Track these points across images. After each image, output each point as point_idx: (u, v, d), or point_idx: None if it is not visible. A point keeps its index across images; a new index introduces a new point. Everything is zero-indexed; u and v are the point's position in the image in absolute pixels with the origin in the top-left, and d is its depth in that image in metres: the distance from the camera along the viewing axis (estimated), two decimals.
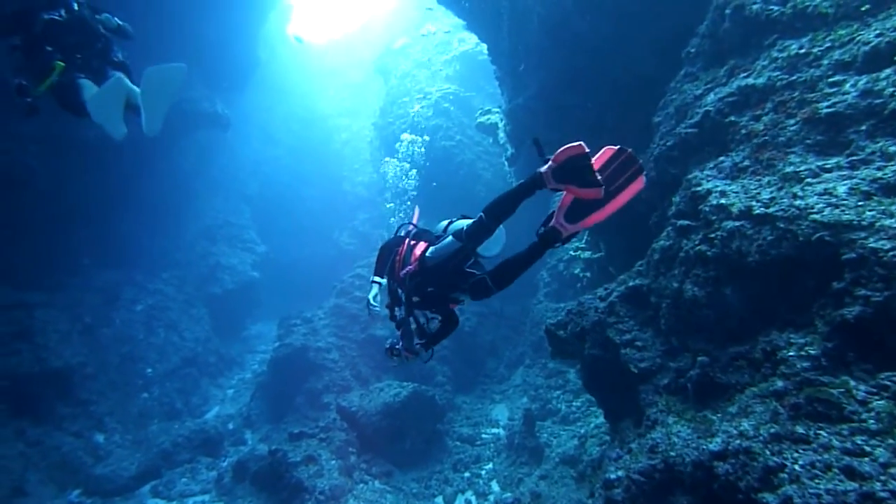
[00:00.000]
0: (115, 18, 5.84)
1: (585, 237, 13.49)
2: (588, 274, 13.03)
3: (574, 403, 12.38)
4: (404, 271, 4.19)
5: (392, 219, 22.95)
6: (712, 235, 4.61)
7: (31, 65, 5.20)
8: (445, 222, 4.25)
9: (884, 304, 3.35)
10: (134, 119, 5.48)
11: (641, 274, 5.63)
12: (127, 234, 17.54)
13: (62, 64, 5.17)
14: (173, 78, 5.42)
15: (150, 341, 16.77)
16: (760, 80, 5.10)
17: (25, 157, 12.75)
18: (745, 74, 5.37)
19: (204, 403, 16.71)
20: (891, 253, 3.37)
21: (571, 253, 13.97)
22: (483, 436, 12.91)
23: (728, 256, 4.45)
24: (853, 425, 3.24)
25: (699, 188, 4.97)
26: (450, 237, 3.89)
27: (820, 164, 4.27)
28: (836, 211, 3.80)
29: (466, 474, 11.45)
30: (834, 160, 4.24)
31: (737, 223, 4.39)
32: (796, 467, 3.29)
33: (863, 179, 3.91)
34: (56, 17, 5.15)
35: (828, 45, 4.70)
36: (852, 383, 3.39)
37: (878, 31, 4.42)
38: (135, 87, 5.54)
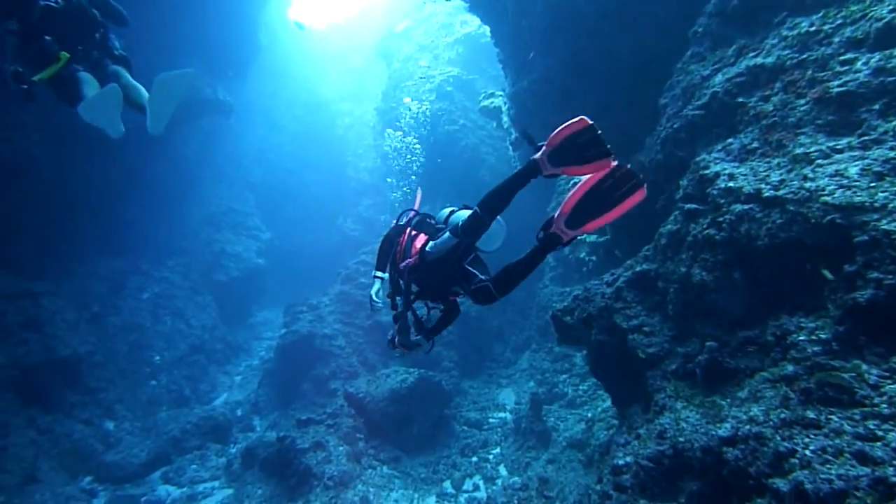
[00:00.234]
0: (111, 1, 5.77)
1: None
2: (594, 258, 12.96)
3: (581, 387, 12.36)
4: (404, 263, 4.15)
5: (394, 193, 22.93)
6: (721, 219, 4.55)
7: (27, 52, 5.13)
8: (448, 211, 4.18)
9: None
10: (136, 115, 5.45)
11: (648, 259, 5.57)
12: (132, 222, 17.54)
13: (67, 55, 5.11)
14: (183, 83, 5.36)
15: (158, 329, 16.82)
16: (770, 60, 5.01)
17: (28, 146, 12.70)
18: (753, 54, 5.28)
19: (212, 390, 16.81)
20: None
21: (577, 237, 13.90)
22: (490, 420, 12.93)
23: (737, 240, 4.39)
24: (865, 410, 3.21)
25: (707, 171, 4.90)
26: (447, 233, 3.84)
27: (831, 144, 4.20)
28: (848, 192, 3.74)
29: (474, 459, 11.47)
30: (845, 140, 4.16)
31: (746, 206, 4.34)
32: (807, 452, 3.27)
33: (875, 160, 3.84)
34: (52, 4, 5.07)
35: (839, 21, 4.61)
36: (864, 367, 3.35)
37: (891, 7, 4.33)
38: (136, 84, 5.51)
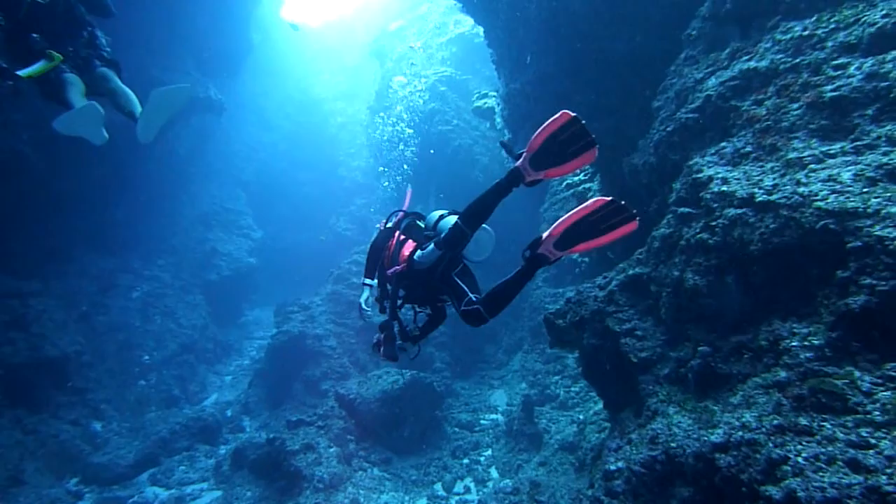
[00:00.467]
0: None
1: None
2: (587, 259, 12.96)
3: (572, 389, 12.36)
4: (392, 270, 4.11)
5: (385, 183, 22.90)
6: (714, 223, 4.52)
7: (13, 48, 5.07)
8: (437, 214, 4.13)
9: (890, 293, 3.28)
10: (125, 118, 5.44)
11: (641, 262, 5.55)
12: (122, 220, 17.42)
13: (61, 57, 5.06)
14: (178, 97, 5.40)
15: (147, 328, 16.71)
16: (763, 64, 5.00)
17: (18, 144, 12.58)
18: (747, 57, 5.26)
19: (202, 390, 16.70)
20: None
21: None
22: (482, 422, 12.91)
23: (730, 245, 4.37)
24: (858, 417, 3.19)
25: (700, 175, 4.88)
26: (431, 244, 3.80)
27: (824, 149, 4.18)
28: (841, 198, 3.73)
29: (465, 461, 11.45)
30: (838, 145, 4.15)
31: (739, 211, 4.31)
32: (800, 460, 3.25)
33: (868, 165, 3.83)
34: (39, 0, 5.00)
35: (832, 26, 4.60)
36: (857, 374, 3.33)
37: (884, 12, 4.32)
38: (125, 89, 5.47)
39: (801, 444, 3.32)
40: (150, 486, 11.72)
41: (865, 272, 3.42)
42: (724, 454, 3.73)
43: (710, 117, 5.43)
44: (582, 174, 13.26)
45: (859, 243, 3.48)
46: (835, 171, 3.93)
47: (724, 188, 4.52)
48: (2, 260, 12.86)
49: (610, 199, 3.32)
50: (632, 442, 4.76)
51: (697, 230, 4.73)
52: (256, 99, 29.89)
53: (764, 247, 4.08)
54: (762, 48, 5.13)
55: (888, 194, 3.57)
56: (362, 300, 4.49)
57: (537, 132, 3.24)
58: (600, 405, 9.09)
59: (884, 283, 3.31)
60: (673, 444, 4.22)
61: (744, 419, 3.75)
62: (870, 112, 4.11)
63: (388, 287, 4.23)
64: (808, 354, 3.63)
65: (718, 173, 4.73)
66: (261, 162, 29.25)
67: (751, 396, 3.89)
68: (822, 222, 3.71)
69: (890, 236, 3.34)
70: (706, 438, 3.93)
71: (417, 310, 4.35)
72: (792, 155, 4.31)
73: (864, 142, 4.02)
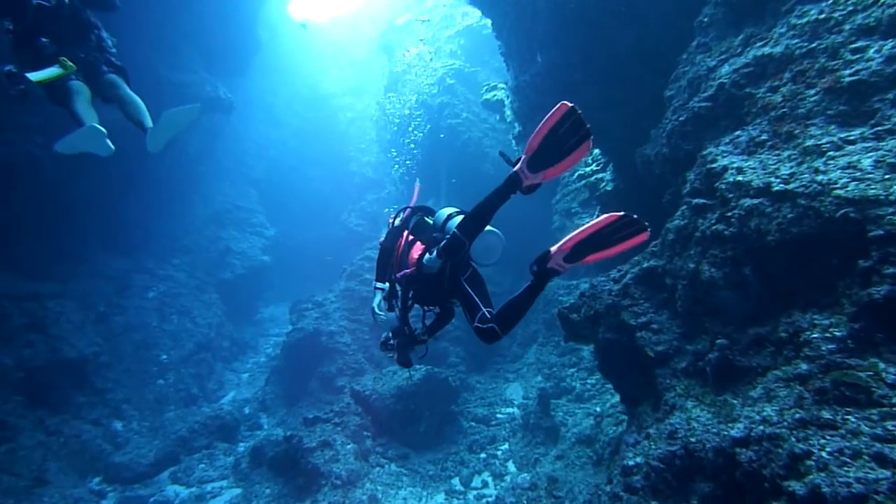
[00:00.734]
0: None
1: (597, 213, 13.29)
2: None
3: (588, 381, 12.30)
4: (401, 274, 4.09)
5: (395, 166, 22.89)
6: (729, 214, 4.45)
7: (22, 53, 5.10)
8: (446, 213, 4.07)
9: None
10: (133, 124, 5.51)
11: (655, 254, 5.47)
12: (136, 221, 17.54)
13: (73, 66, 5.09)
14: (187, 117, 5.56)
15: (164, 328, 16.81)
16: (778, 49, 4.89)
17: (31, 148, 12.67)
18: (761, 43, 5.15)
19: (219, 388, 16.80)
20: None
21: None
22: (498, 416, 12.88)
23: (746, 235, 4.29)
24: (883, 410, 3.12)
25: (714, 165, 4.80)
26: (434, 251, 3.77)
27: (843, 135, 4.09)
28: (861, 185, 3.64)
29: (482, 455, 11.43)
30: (858, 131, 4.05)
31: (755, 201, 4.23)
32: (824, 454, 3.18)
33: (889, 151, 3.73)
34: (45, 3, 5.01)
35: (850, 8, 4.48)
36: (881, 366, 3.26)
37: None
38: (134, 97, 5.50)
39: (824, 438, 3.26)
40: (170, 484, 11.83)
41: (888, 261, 3.34)
42: (744, 449, 3.67)
43: (724, 105, 5.33)
44: (594, 164, 13.14)
45: (881, 232, 3.40)
46: (854, 158, 3.83)
47: (740, 178, 4.44)
48: (18, 262, 12.99)
49: (622, 214, 3.32)
50: (650, 437, 4.71)
51: (713, 221, 4.67)
52: (265, 96, 29.90)
53: (782, 237, 4.00)
54: (777, 33, 5.01)
55: None
56: (375, 304, 4.45)
57: (537, 130, 3.22)
58: (617, 397, 9.04)
59: None
60: (692, 439, 4.17)
61: (764, 413, 3.69)
62: (890, 96, 4.00)
63: (398, 288, 4.21)
64: (829, 346, 3.56)
65: (733, 163, 4.65)
66: (271, 159, 29.29)
67: (771, 390, 3.83)
68: (842, 211, 3.63)
69: None
70: (726, 433, 3.87)
71: (426, 309, 4.32)
72: (809, 142, 4.21)
73: (885, 127, 3.92)
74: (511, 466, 10.85)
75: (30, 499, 9.93)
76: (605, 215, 3.35)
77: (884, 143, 3.82)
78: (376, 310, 4.43)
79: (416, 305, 4.25)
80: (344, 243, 25.32)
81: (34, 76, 4.89)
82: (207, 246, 21.25)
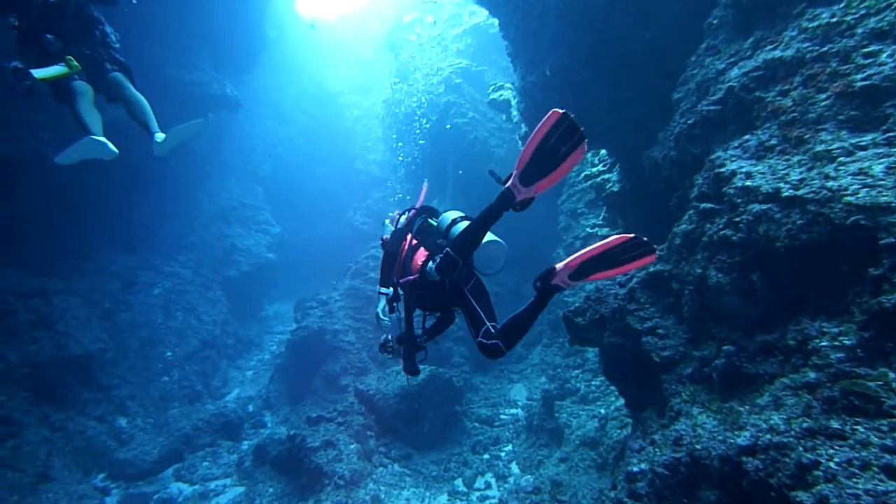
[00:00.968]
0: None
1: (603, 214, 13.25)
2: None
3: (593, 382, 12.25)
4: (404, 280, 4.07)
5: (400, 157, 22.85)
6: (737, 219, 4.40)
7: (27, 49, 5.11)
8: (450, 218, 4.05)
9: None
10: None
11: (662, 259, 5.43)
12: (142, 218, 17.59)
13: (78, 66, 5.11)
14: (193, 131, 5.70)
15: (169, 325, 16.84)
16: (788, 53, 4.83)
17: (38, 145, 12.69)
18: (771, 46, 5.10)
19: (224, 385, 16.84)
20: None
21: (588, 230, 13.76)
22: (502, 416, 12.86)
23: (755, 241, 4.25)
24: (893, 420, 3.09)
25: (723, 169, 4.75)
26: (433, 265, 3.77)
27: (854, 141, 4.03)
28: (873, 192, 3.59)
29: (486, 456, 11.41)
30: (869, 137, 4.00)
31: (764, 206, 4.19)
32: (832, 465, 3.15)
33: None
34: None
35: (862, 12, 4.42)
36: (892, 375, 3.22)
37: None
38: (137, 96, 5.56)
39: (832, 448, 3.22)
40: (174, 481, 11.86)
41: None
42: (751, 457, 3.63)
43: (733, 109, 5.28)
44: (601, 165, 13.10)
45: (892, 239, 3.35)
46: (866, 164, 3.78)
47: (749, 183, 4.40)
48: (25, 259, 13.03)
49: (632, 235, 3.32)
50: (655, 443, 4.67)
51: (720, 226, 4.62)
52: (272, 94, 29.94)
53: (791, 243, 3.96)
54: (787, 37, 4.95)
55: None
56: (379, 309, 4.43)
57: (527, 143, 3.19)
58: (622, 400, 9.01)
59: None
60: (698, 446, 4.13)
61: (772, 421, 3.66)
62: None
63: (401, 292, 4.20)
64: (838, 355, 3.51)
65: (742, 167, 4.60)
66: (277, 157, 29.33)
67: (778, 398, 3.79)
68: (853, 218, 3.58)
69: None
70: (732, 441, 3.84)
71: (427, 314, 4.31)
72: (820, 147, 4.16)
73: None
74: (514, 468, 10.83)
75: (34, 495, 9.97)
76: (616, 235, 3.35)
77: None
78: (381, 315, 4.41)
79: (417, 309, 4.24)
80: (349, 241, 25.36)
81: (38, 73, 4.91)
82: (213, 243, 21.29)
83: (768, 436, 3.59)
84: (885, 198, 3.50)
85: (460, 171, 18.91)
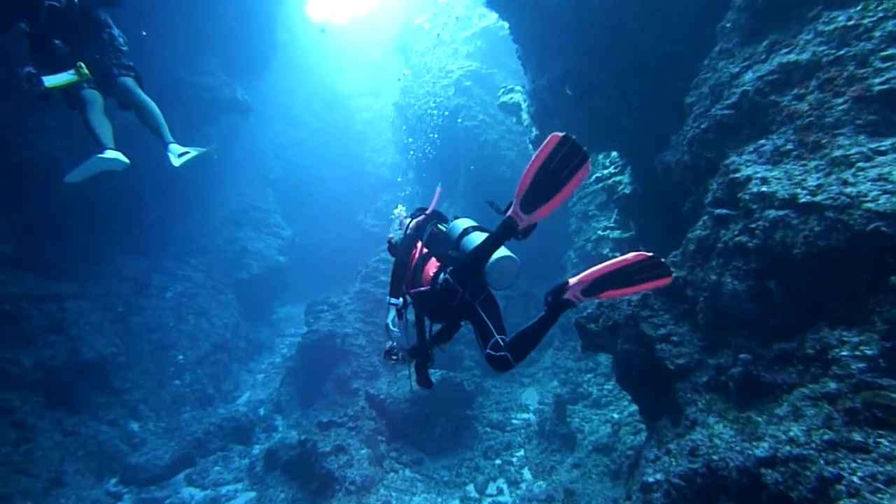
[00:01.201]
0: None
1: (614, 216, 13.17)
2: (617, 254, 12.72)
3: (605, 386, 12.18)
4: (415, 290, 4.02)
5: (411, 152, 22.81)
6: (753, 225, 4.32)
7: (38, 55, 5.14)
8: (461, 227, 3.98)
9: None
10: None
11: (676, 265, 5.35)
12: (154, 221, 17.67)
13: (88, 74, 5.12)
14: (205, 156, 5.78)
15: (181, 328, 16.92)
16: (804, 56, 4.75)
17: (51, 150, 12.77)
18: (786, 50, 5.01)
19: (235, 389, 16.90)
20: None
21: (600, 233, 13.67)
22: (513, 421, 12.79)
23: (771, 248, 4.17)
24: None
25: (738, 174, 4.67)
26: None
27: (873, 146, 3.95)
28: (893, 198, 3.50)
29: (497, 461, 11.36)
30: (889, 142, 3.91)
31: (780, 212, 4.10)
32: (855, 479, 3.08)
33: None
34: (56, 4, 5.04)
35: (880, 14, 4.33)
36: None
37: None
38: (147, 101, 5.61)
39: (855, 461, 3.15)
40: (186, 486, 11.90)
41: None
42: (770, 469, 3.57)
43: (748, 113, 5.20)
44: (612, 167, 13.01)
45: None
46: (885, 170, 3.70)
47: (764, 188, 4.32)
48: (38, 264, 13.10)
49: (650, 254, 3.27)
50: (670, 452, 4.61)
51: (736, 232, 4.54)
52: (282, 96, 30.07)
53: (808, 250, 3.87)
54: (803, 40, 4.87)
55: None
56: (389, 320, 4.36)
57: (527, 168, 3.16)
58: (635, 405, 8.94)
59: None
60: (715, 457, 4.07)
61: (791, 433, 3.59)
62: None
63: (408, 299, 4.16)
64: (860, 365, 3.44)
65: (757, 173, 4.52)
66: (288, 160, 29.45)
67: (798, 408, 3.71)
68: (873, 225, 3.50)
69: None
70: (750, 452, 3.77)
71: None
72: (837, 153, 4.08)
73: None
74: (526, 473, 10.76)
75: (47, 501, 10.02)
76: (633, 253, 3.29)
77: None
78: (391, 326, 4.34)
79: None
80: (360, 244, 25.41)
81: (49, 82, 4.93)
82: (224, 246, 21.39)
83: (788, 447, 3.52)
84: None
85: (472, 167, 18.87)
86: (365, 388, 13.28)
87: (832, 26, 4.62)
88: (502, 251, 3.61)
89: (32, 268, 12.87)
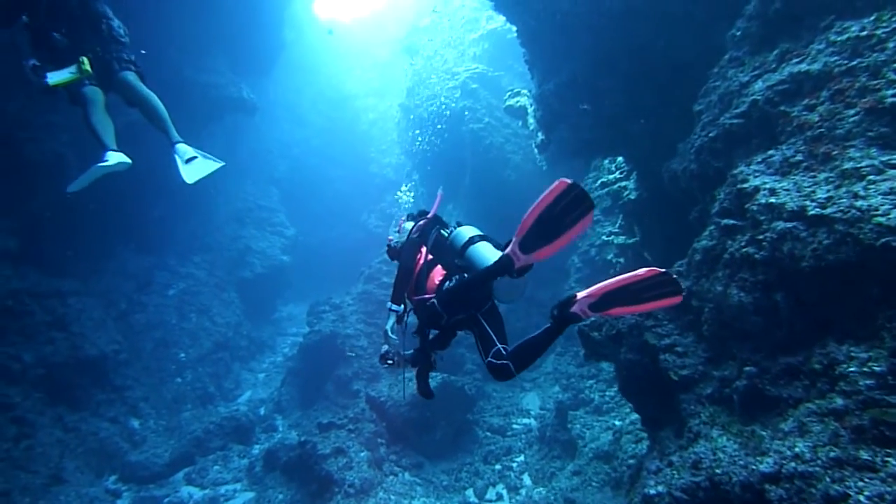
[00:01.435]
0: None
1: (619, 221, 13.11)
2: (622, 260, 12.69)
3: (607, 393, 12.10)
4: (419, 298, 3.96)
5: (417, 142, 22.74)
6: (761, 237, 4.27)
7: (39, 48, 5.11)
8: (467, 236, 3.89)
9: None
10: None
11: (682, 275, 5.29)
12: (158, 218, 17.63)
13: (89, 70, 5.08)
14: (214, 171, 5.81)
15: (183, 326, 16.92)
16: (815, 66, 4.70)
17: (56, 146, 12.78)
18: (797, 60, 4.96)
19: (236, 388, 16.89)
20: None
21: (604, 238, 13.61)
22: (514, 426, 12.73)
23: (779, 260, 4.12)
24: None
25: (746, 185, 4.62)
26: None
27: (885, 159, 3.90)
28: None
29: (497, 467, 11.29)
30: None
31: (788, 224, 4.05)
32: (861, 498, 3.04)
33: None
34: None
35: (894, 25, 4.28)
36: None
37: None
38: (149, 94, 5.55)
39: (862, 480, 3.10)
40: (185, 485, 11.88)
41: None
42: (775, 486, 3.52)
43: (757, 123, 5.15)
44: (618, 172, 12.96)
45: None
46: None
47: (773, 200, 4.27)
48: (41, 259, 13.10)
49: (663, 271, 3.22)
50: (672, 465, 4.55)
51: (743, 243, 4.49)
52: (289, 96, 30.08)
53: (817, 264, 3.82)
54: (814, 50, 4.82)
55: None
56: (388, 326, 4.25)
57: (530, 209, 3.12)
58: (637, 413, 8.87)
59: None
60: (718, 471, 4.02)
61: (797, 449, 3.53)
62: None
63: (408, 305, 4.11)
64: (868, 382, 3.39)
65: (766, 183, 4.47)
66: (293, 159, 29.47)
67: (804, 424, 3.66)
68: (884, 240, 3.45)
69: None
70: (755, 467, 3.72)
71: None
72: (848, 165, 4.03)
73: None
74: (527, 479, 10.70)
75: (46, 497, 10.00)
76: (646, 269, 3.24)
77: None
78: (389, 333, 4.23)
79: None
80: (363, 244, 25.38)
81: (52, 78, 4.90)
82: (228, 245, 21.40)
83: (793, 464, 3.47)
84: None
85: (480, 151, 18.78)
86: (366, 390, 13.24)
87: (845, 36, 4.57)
88: None
89: (35, 264, 12.87)
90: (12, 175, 12.11)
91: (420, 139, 22.74)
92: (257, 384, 17.45)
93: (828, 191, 3.99)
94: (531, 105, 12.79)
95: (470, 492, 10.63)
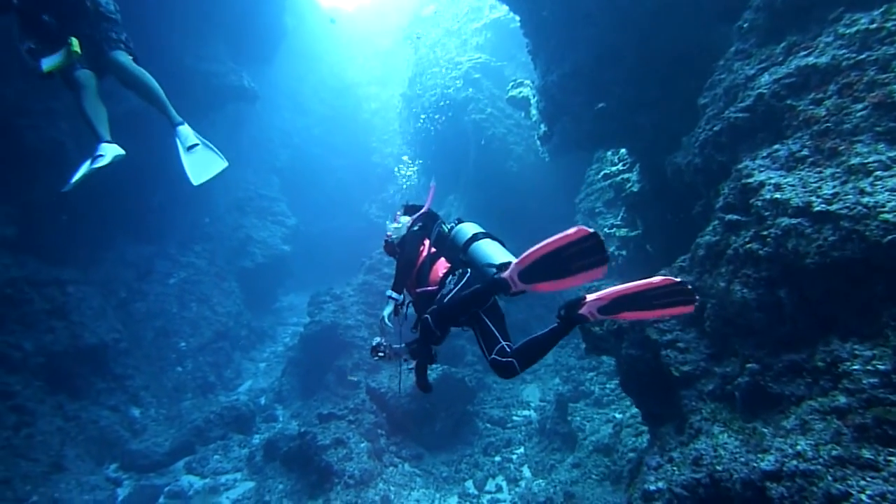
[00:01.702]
0: None
1: (622, 214, 13.05)
2: (624, 252, 12.63)
3: (608, 385, 12.07)
4: (422, 290, 3.92)
5: (419, 123, 22.62)
6: (765, 233, 4.23)
7: (31, 31, 4.99)
8: (470, 233, 3.87)
9: None
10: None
11: (684, 270, 5.26)
12: (158, 207, 17.58)
13: (78, 52, 4.96)
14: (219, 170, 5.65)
15: (183, 315, 16.92)
16: (823, 59, 4.63)
17: (56, 134, 12.71)
18: (805, 52, 4.89)
19: (237, 377, 16.91)
20: None
21: (606, 230, 13.54)
22: (514, 418, 12.73)
23: (783, 256, 4.08)
24: None
25: (751, 180, 4.57)
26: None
27: (892, 154, 3.85)
28: None
29: (497, 458, 11.30)
30: None
31: (793, 221, 4.01)
32: (864, 497, 3.01)
33: None
34: None
35: None
36: None
37: None
38: (141, 72, 5.36)
39: (864, 479, 3.08)
40: (185, 474, 11.90)
41: None
42: (776, 483, 3.49)
43: (763, 117, 5.09)
44: (621, 164, 12.90)
45: None
46: None
47: (778, 195, 4.22)
48: (41, 248, 13.06)
49: (678, 280, 3.15)
50: (673, 461, 4.53)
51: (747, 239, 4.45)
52: (290, 83, 29.88)
53: (822, 260, 3.78)
54: (822, 43, 4.75)
55: None
56: (385, 314, 4.20)
57: (539, 245, 3.07)
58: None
59: None
60: (719, 468, 3.99)
61: (798, 447, 3.51)
62: None
63: (407, 295, 4.07)
64: (872, 380, 3.36)
65: (771, 178, 4.42)
66: (295, 148, 29.34)
67: (806, 421, 3.64)
68: (890, 237, 3.41)
69: None
70: (756, 464, 3.70)
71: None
72: (855, 160, 3.97)
73: None
74: (526, 471, 10.71)
75: (46, 485, 10.02)
76: (661, 277, 3.16)
77: None
78: (386, 320, 4.19)
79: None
80: (364, 234, 25.28)
81: (45, 64, 4.80)
82: (229, 234, 21.37)
83: (794, 462, 3.44)
84: None
85: (482, 142, 18.67)
86: (366, 380, 13.24)
87: (853, 29, 4.50)
88: (509, 258, 3.51)
89: (35, 252, 12.84)
90: (11, 163, 12.05)
91: (422, 123, 22.62)
92: (258, 374, 17.46)
93: (834, 186, 3.94)
94: (534, 96, 12.69)
95: (469, 483, 10.64)
